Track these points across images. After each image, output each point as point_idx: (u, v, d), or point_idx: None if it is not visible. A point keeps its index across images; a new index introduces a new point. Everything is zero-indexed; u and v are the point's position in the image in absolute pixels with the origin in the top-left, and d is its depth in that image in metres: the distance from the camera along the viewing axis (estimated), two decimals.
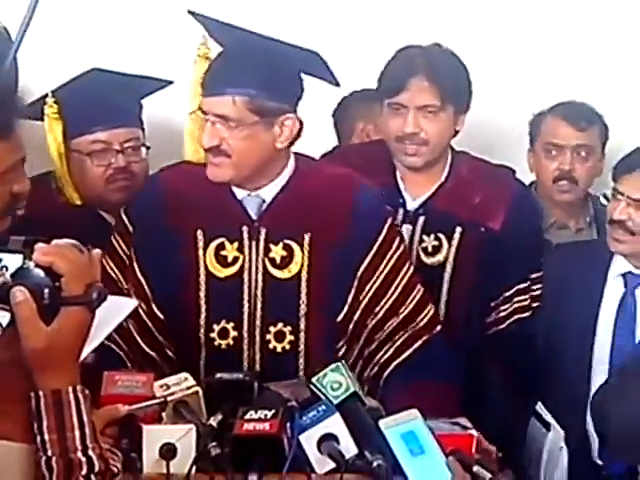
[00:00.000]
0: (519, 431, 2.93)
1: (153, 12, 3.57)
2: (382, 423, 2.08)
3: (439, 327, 2.76)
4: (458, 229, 2.97)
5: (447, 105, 2.96)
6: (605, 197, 2.98)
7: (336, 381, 2.23)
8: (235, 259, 2.64)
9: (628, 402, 2.51)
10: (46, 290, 1.45)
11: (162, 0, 3.53)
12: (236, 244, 2.63)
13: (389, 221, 2.73)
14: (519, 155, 3.45)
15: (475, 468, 2.05)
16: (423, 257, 2.98)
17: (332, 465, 2.07)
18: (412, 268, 2.75)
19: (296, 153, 2.71)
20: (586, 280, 2.98)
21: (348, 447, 2.08)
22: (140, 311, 2.60)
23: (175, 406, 2.17)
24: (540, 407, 2.91)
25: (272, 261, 2.63)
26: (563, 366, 2.97)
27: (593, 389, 2.89)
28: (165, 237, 2.63)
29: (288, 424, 2.10)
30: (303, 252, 2.63)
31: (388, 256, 2.69)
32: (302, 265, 2.63)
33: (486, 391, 3.01)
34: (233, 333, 2.62)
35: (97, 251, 1.56)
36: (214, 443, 2.05)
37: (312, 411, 2.12)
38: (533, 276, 3.08)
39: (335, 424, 2.09)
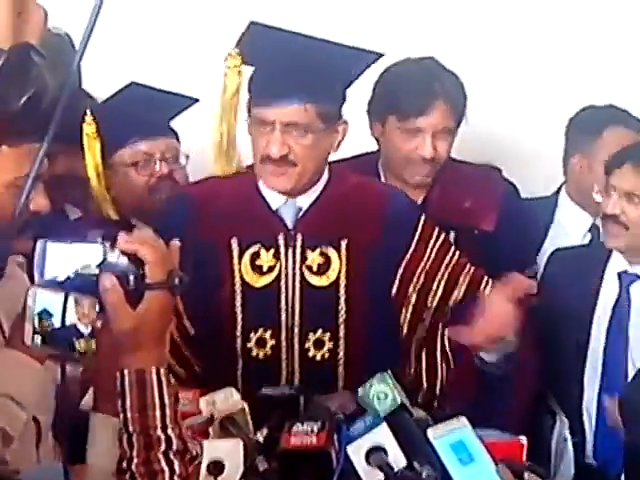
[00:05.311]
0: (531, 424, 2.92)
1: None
2: (430, 433, 2.06)
3: None
4: (452, 234, 2.96)
5: (457, 124, 3.00)
6: (596, 192, 2.96)
7: (382, 392, 2.21)
8: (271, 267, 2.63)
9: None
10: (131, 277, 1.53)
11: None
12: (272, 252, 2.62)
13: (422, 218, 2.72)
14: (519, 165, 3.45)
15: (526, 475, 2.03)
16: None
17: (381, 477, 2.05)
18: (457, 253, 2.74)
19: None
20: (582, 281, 2.97)
21: (397, 458, 2.06)
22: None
23: (222, 422, 2.17)
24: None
25: (309, 268, 2.63)
26: (558, 364, 2.97)
27: (586, 387, 2.92)
28: (198, 251, 2.58)
29: (335, 437, 2.08)
30: (340, 258, 2.63)
31: (429, 249, 2.69)
32: (340, 271, 2.62)
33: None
34: (271, 342, 2.61)
35: (175, 242, 1.63)
36: (261, 458, 2.04)
37: (359, 423, 2.10)
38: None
39: (383, 435, 2.07)
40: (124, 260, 1.54)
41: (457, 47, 3.43)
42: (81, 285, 1.54)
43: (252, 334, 2.62)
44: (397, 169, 3.03)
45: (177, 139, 3.03)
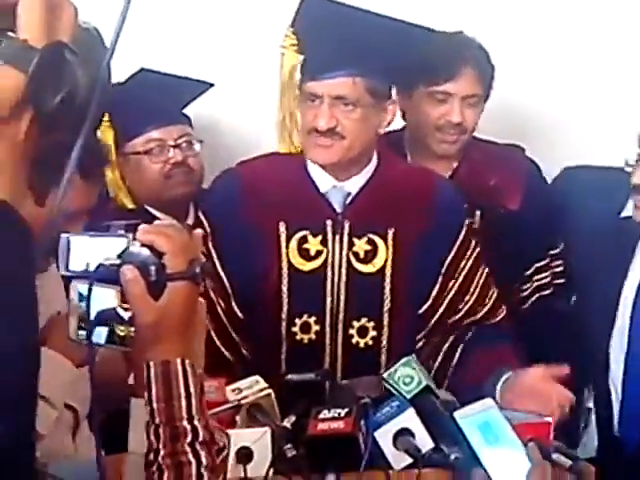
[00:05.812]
0: None
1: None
2: (457, 415, 2.04)
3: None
4: (477, 212, 2.96)
5: (485, 94, 2.99)
6: (627, 164, 2.94)
7: (408, 375, 2.21)
8: (318, 253, 2.61)
9: None
10: (152, 267, 1.51)
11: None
12: (319, 237, 2.61)
13: (467, 220, 2.72)
14: (542, 139, 3.43)
15: (555, 456, 2.02)
16: None
17: (409, 460, 2.07)
18: (486, 271, 2.74)
19: None
20: (616, 254, 2.94)
21: (424, 441, 2.07)
22: (219, 310, 2.60)
23: (249, 409, 2.17)
24: None
25: (356, 255, 2.61)
26: (585, 337, 2.95)
27: (612, 361, 2.88)
28: (246, 232, 2.60)
29: (362, 421, 2.09)
30: (387, 247, 2.61)
31: (468, 254, 2.69)
32: (386, 260, 2.61)
33: None
34: (315, 327, 2.60)
35: (198, 231, 1.63)
36: (289, 445, 2.04)
37: (386, 407, 2.11)
38: (552, 252, 3.06)
39: (410, 419, 2.08)
40: (146, 251, 1.53)
41: (481, 22, 3.39)
42: (105, 276, 1.54)
43: (297, 319, 2.60)
44: (424, 138, 3.01)
45: (190, 125, 3.03)
